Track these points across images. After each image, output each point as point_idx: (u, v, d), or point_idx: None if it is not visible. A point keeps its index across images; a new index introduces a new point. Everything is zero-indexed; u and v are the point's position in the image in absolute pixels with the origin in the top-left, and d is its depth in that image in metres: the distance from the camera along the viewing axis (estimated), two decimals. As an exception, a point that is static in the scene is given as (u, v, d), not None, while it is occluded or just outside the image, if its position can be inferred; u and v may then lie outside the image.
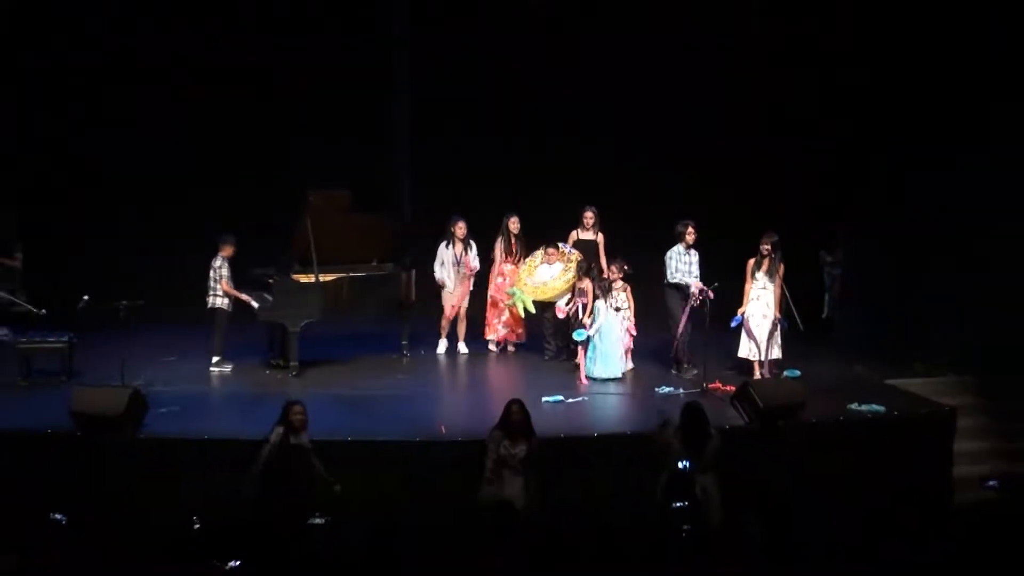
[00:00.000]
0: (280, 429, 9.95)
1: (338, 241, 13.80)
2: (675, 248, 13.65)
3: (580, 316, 13.63)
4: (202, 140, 16.54)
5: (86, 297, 13.12)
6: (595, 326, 13.43)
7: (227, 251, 13.84)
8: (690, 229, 13.58)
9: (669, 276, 13.60)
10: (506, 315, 14.77)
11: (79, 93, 16.43)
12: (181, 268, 15.58)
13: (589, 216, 14.58)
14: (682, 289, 13.53)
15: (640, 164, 16.51)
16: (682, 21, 16.56)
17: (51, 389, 12.76)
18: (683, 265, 13.57)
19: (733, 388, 12.19)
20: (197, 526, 9.07)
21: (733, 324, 13.26)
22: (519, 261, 14.63)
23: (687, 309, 13.44)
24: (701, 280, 13.40)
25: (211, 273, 13.81)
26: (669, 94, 16.46)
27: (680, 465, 9.69)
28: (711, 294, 13.18)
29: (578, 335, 13.44)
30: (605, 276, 13.82)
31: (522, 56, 16.71)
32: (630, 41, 16.59)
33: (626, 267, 13.71)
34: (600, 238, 14.62)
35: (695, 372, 13.40)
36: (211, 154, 16.53)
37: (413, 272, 14.64)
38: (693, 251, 13.64)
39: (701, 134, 16.41)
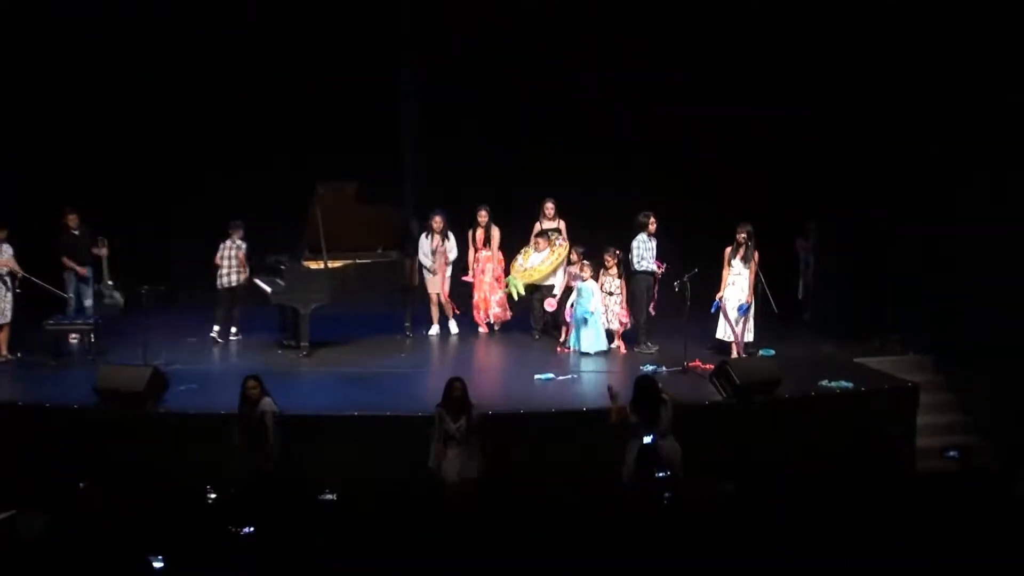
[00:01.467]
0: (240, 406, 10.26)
1: (346, 229, 13.84)
2: (639, 236, 13.70)
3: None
4: (217, 133, 16.45)
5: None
6: (592, 304, 13.49)
7: (238, 234, 14.25)
8: (652, 219, 13.67)
9: (635, 263, 13.64)
10: (498, 296, 14.76)
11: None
12: (199, 254, 15.55)
13: (550, 207, 14.56)
14: (647, 276, 13.67)
15: (627, 164, 16.44)
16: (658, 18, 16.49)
17: (78, 368, 12.80)
18: (647, 252, 13.67)
19: (712, 366, 12.18)
20: (212, 495, 9.01)
21: (713, 309, 13.27)
22: (487, 247, 14.71)
23: (654, 293, 13.63)
24: (674, 268, 13.49)
25: (230, 252, 14.11)
26: (651, 89, 16.36)
27: (646, 439, 9.69)
28: (661, 269, 13.55)
29: (582, 312, 13.49)
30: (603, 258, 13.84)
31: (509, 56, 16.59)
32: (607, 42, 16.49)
33: (619, 253, 13.73)
34: (562, 224, 14.64)
35: (656, 349, 13.62)
36: (227, 147, 16.48)
37: (416, 259, 14.65)
38: (653, 238, 13.71)
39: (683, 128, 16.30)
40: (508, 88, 16.44)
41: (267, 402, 10.25)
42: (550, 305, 14.27)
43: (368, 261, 14.21)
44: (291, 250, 14.15)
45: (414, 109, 17.19)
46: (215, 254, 14.30)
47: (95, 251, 14.41)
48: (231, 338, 14.40)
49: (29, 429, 11.15)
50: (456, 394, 10.00)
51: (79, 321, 13.54)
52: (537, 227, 14.61)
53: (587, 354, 13.53)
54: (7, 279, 13.20)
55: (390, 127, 17.12)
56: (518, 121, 16.55)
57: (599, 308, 13.59)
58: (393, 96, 17.13)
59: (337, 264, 13.73)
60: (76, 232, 14.04)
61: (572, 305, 13.75)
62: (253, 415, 10.20)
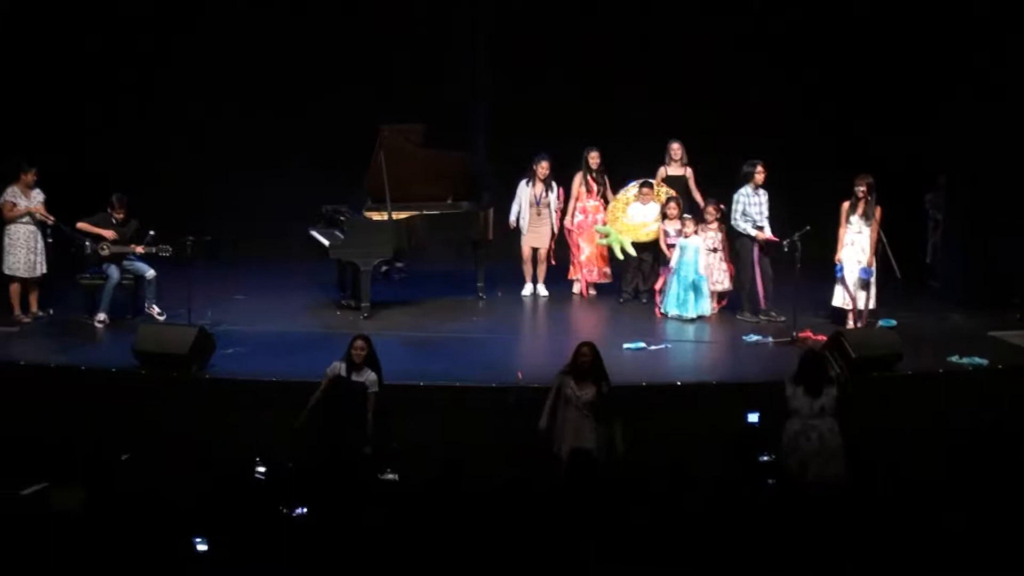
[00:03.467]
0: (339, 363, 10.15)
1: (412, 177, 13.90)
2: (744, 189, 13.57)
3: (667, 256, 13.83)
4: (279, 70, 16.64)
5: (152, 232, 13.36)
6: (700, 264, 13.50)
7: None
8: (759, 168, 13.51)
9: (737, 219, 13.54)
10: (587, 253, 14.71)
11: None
12: (253, 201, 15.95)
13: (676, 148, 14.52)
14: (750, 235, 13.53)
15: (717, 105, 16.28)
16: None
17: (116, 327, 13.07)
18: (752, 207, 13.50)
19: (824, 337, 12.11)
20: (261, 469, 9.15)
21: (838, 272, 13.14)
22: (600, 197, 14.61)
23: (757, 253, 13.48)
24: (785, 223, 13.32)
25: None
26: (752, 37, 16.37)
27: (751, 417, 9.67)
28: (764, 237, 13.39)
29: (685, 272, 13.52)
30: (704, 211, 13.83)
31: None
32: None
33: (722, 206, 13.70)
34: (689, 172, 14.58)
35: (766, 318, 13.45)
36: (285, 84, 16.66)
37: (491, 211, 14.63)
38: (762, 191, 13.57)
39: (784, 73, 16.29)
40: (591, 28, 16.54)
41: (372, 378, 10.17)
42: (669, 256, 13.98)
43: (437, 212, 14.28)
44: (351, 199, 14.26)
45: (487, 38, 17.15)
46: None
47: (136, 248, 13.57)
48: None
49: (62, 393, 11.32)
50: (583, 360, 9.89)
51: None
52: (662, 172, 14.58)
53: (685, 320, 13.53)
54: (39, 228, 13.40)
55: (462, 58, 17.13)
56: (605, 61, 16.59)
57: (690, 267, 13.58)
58: (467, 23, 17.14)
59: (402, 215, 13.79)
60: (115, 223, 13.48)
61: (669, 265, 13.72)
62: (351, 383, 10.12)
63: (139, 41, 16.37)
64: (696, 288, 13.56)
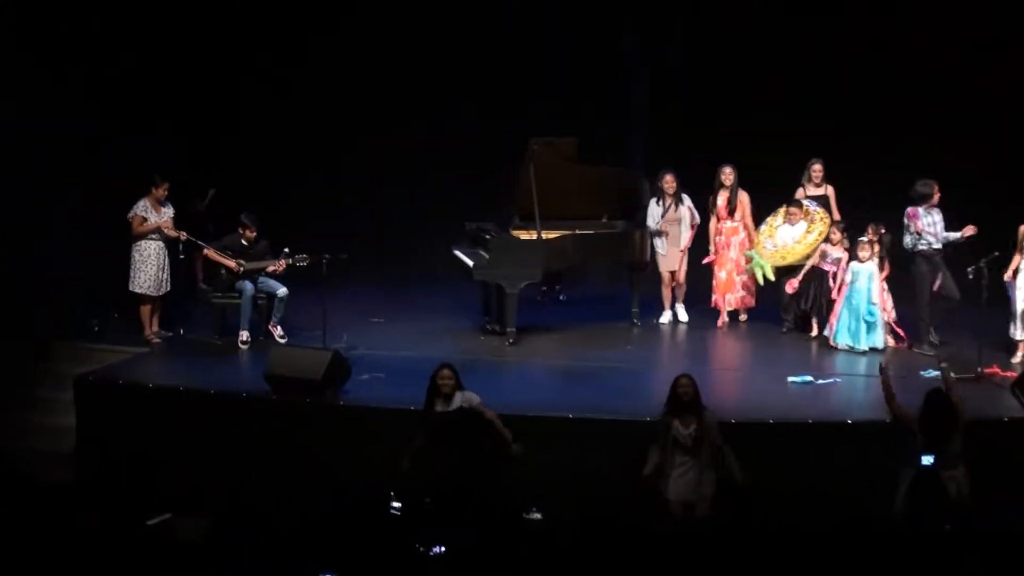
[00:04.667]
0: (428, 400, 10.27)
1: (563, 194, 13.93)
2: (918, 210, 13.25)
3: (831, 284, 13.63)
4: (418, 81, 16.95)
5: (286, 250, 13.60)
6: (873, 292, 13.31)
7: None
8: (935, 188, 13.25)
9: (913, 241, 13.28)
10: (744, 277, 14.55)
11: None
12: (392, 218, 16.30)
13: (817, 169, 14.34)
14: (929, 257, 13.24)
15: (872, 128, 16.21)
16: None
17: (247, 349, 13.45)
18: (929, 227, 13.23)
19: (1014, 374, 11.86)
20: (397, 504, 9.20)
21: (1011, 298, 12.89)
22: (737, 216, 14.47)
23: (936, 278, 13.24)
24: (967, 250, 13.14)
25: None
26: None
27: (925, 460, 9.50)
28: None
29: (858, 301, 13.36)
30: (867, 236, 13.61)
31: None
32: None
33: (883, 230, 13.50)
34: (830, 191, 14.42)
35: (938, 349, 13.16)
36: (429, 100, 16.95)
37: (648, 230, 14.49)
38: (936, 211, 13.32)
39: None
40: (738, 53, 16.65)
41: (470, 396, 10.21)
42: (790, 287, 13.96)
43: (590, 232, 14.28)
44: (497, 216, 14.37)
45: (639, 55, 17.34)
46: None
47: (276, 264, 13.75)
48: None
49: (190, 419, 11.65)
50: (684, 393, 9.93)
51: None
52: (800, 193, 14.41)
53: (856, 352, 13.37)
54: (167, 244, 13.71)
55: (615, 73, 17.28)
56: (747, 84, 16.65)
57: (878, 297, 13.38)
58: (618, 37, 17.34)
59: (552, 235, 13.81)
60: (246, 243, 13.74)
61: (839, 291, 13.55)
62: (449, 415, 10.19)
63: (269, 50, 16.82)
64: (868, 318, 13.35)
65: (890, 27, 16.34)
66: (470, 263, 13.92)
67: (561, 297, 15.78)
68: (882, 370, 10.19)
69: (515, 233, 14.10)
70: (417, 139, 16.84)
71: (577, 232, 14.13)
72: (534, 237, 13.70)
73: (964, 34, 16.00)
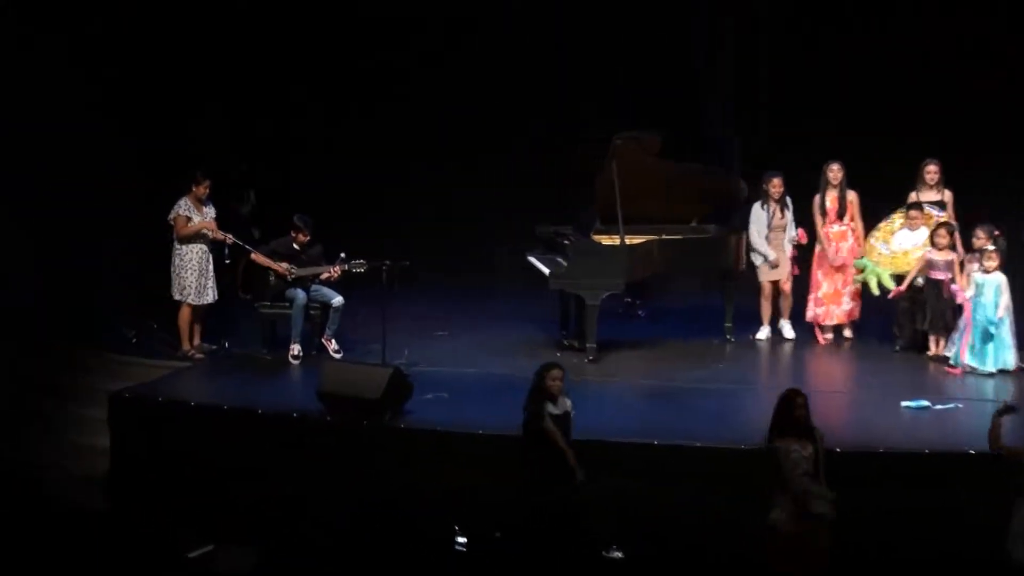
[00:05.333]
0: (535, 406, 9.92)
1: (649, 195, 13.92)
2: None
3: (949, 296, 13.52)
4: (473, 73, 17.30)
5: (343, 254, 13.62)
6: (1001, 306, 13.20)
7: None
8: None
9: None
10: (825, 289, 14.49)
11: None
12: (457, 221, 16.43)
13: (932, 171, 14.13)
14: None
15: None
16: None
17: (298, 365, 13.53)
18: None
19: None
20: (462, 540, 9.22)
21: None
22: (841, 220, 14.40)
23: None
24: None
25: None
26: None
27: None
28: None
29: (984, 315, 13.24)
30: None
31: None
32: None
33: (997, 233, 13.39)
34: (947, 196, 14.24)
35: None
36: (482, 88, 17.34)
37: (744, 236, 14.50)
38: None
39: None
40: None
41: (569, 403, 10.05)
42: (896, 294, 13.86)
43: (678, 237, 14.25)
44: (576, 220, 14.35)
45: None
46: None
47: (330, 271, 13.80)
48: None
49: (235, 441, 11.72)
50: (800, 413, 9.67)
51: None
52: (912, 197, 14.23)
53: (981, 374, 13.23)
54: (211, 248, 13.82)
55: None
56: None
57: (1009, 311, 13.28)
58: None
59: (637, 240, 13.78)
60: (297, 248, 13.77)
61: (959, 303, 13.45)
62: (553, 415, 9.90)
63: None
64: (995, 335, 13.24)
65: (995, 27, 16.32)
66: (546, 271, 13.89)
67: (640, 313, 15.89)
68: (1004, 411, 9.91)
69: (596, 238, 14.04)
70: (485, 133, 17.06)
71: (664, 237, 14.09)
72: (617, 242, 13.66)
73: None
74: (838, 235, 14.46)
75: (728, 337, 14.64)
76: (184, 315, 13.79)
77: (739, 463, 10.57)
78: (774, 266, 14.52)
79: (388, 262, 13.13)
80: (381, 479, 11.13)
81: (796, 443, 9.58)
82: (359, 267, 13.50)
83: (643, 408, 12.26)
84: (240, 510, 10.88)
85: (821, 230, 14.44)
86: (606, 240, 13.96)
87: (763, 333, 14.81)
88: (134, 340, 14.23)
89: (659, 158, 14.01)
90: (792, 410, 9.66)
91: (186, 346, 13.83)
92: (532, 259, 14.38)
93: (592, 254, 13.72)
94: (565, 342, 14.26)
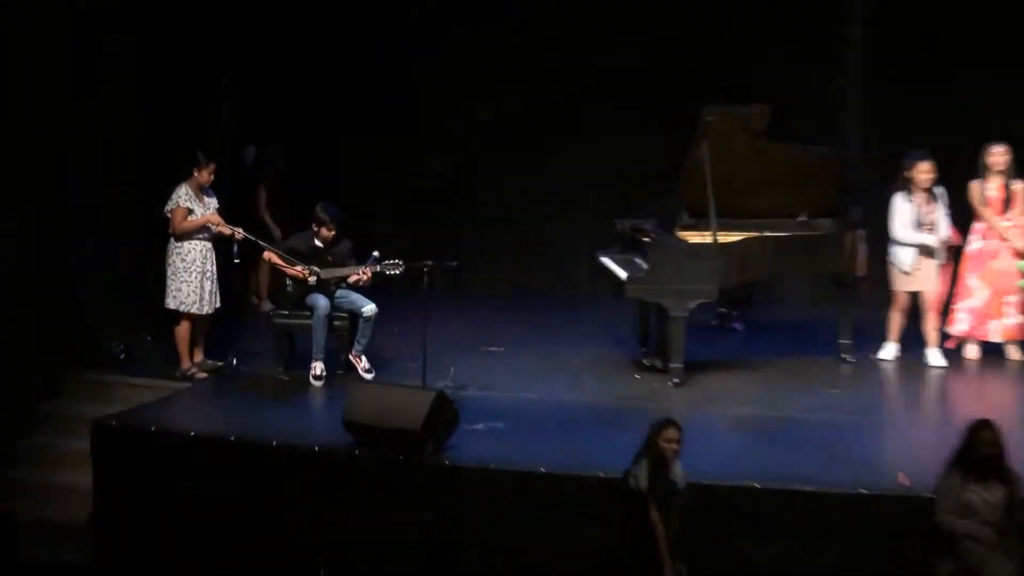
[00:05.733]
0: (636, 470, 9.62)
1: (749, 183, 13.65)
2: None
3: None
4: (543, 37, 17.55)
5: (376, 253, 13.37)
6: None
7: None
8: None
9: None
10: (982, 296, 14.15)
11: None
12: (514, 216, 17.11)
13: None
14: None
15: None
16: None
17: (321, 388, 13.31)
18: None
19: None
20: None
21: None
22: (1007, 211, 14.07)
23: None
24: None
25: None
26: None
27: None
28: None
29: None
30: None
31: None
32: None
33: None
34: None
35: None
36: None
37: (863, 234, 14.07)
38: None
39: None
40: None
41: (682, 473, 9.74)
42: None
43: (785, 234, 13.91)
44: (658, 213, 14.12)
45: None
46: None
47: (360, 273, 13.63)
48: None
49: (244, 479, 11.38)
50: (987, 450, 9.36)
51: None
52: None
53: None
54: (215, 246, 13.50)
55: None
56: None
57: None
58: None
59: (734, 237, 13.47)
60: (321, 245, 13.54)
61: None
62: (653, 509, 9.60)
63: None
64: None
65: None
66: (622, 274, 13.55)
67: (736, 326, 15.87)
68: None
69: (683, 235, 13.82)
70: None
71: (767, 234, 13.82)
72: (708, 240, 13.30)
73: None
74: (1000, 232, 14.15)
75: (844, 356, 14.24)
76: (183, 327, 13.45)
77: (863, 512, 10.29)
78: (919, 273, 14.11)
79: (430, 262, 12.85)
80: (421, 528, 10.84)
81: (978, 484, 9.32)
82: (395, 268, 13.25)
83: (741, 442, 11.77)
84: (248, 563, 10.83)
85: (993, 219, 14.09)
86: (695, 238, 13.72)
87: (888, 352, 14.34)
88: (122, 356, 14.03)
89: (761, 137, 13.63)
90: (975, 445, 9.44)
91: (185, 364, 13.51)
92: (606, 260, 14.13)
93: (678, 255, 13.36)
94: (645, 361, 13.98)
